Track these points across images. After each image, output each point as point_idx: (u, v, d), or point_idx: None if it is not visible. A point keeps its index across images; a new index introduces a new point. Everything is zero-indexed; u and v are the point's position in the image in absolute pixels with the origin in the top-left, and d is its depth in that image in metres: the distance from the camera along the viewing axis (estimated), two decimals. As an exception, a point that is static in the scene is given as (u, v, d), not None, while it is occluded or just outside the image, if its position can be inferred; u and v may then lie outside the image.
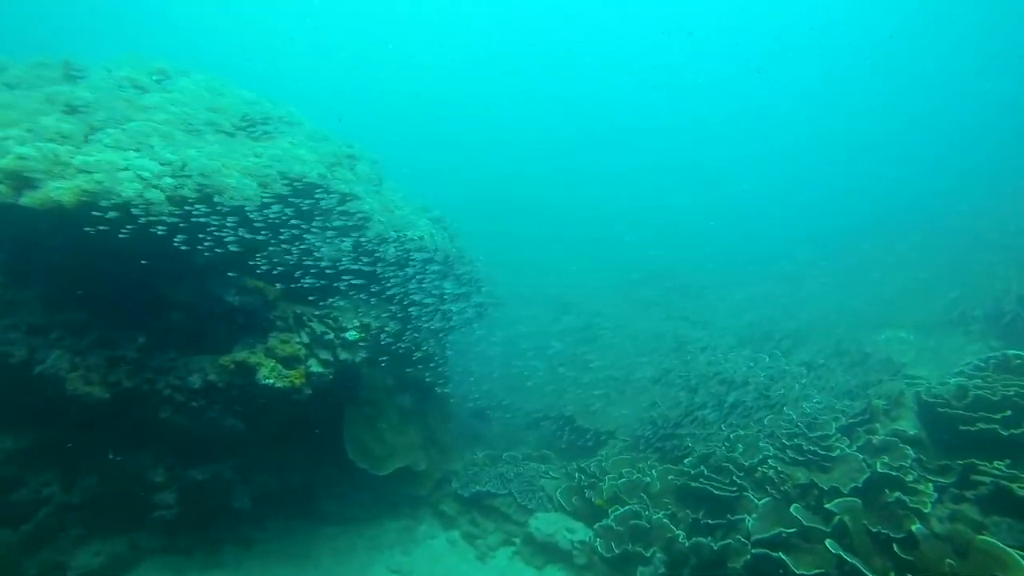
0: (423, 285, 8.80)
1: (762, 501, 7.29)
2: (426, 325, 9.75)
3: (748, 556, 6.57)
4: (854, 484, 6.94)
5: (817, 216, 26.34)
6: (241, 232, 6.64)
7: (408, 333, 9.05)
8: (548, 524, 8.68)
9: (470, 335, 13.18)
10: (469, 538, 9.36)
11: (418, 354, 9.47)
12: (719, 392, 9.78)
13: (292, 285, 7.48)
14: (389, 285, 8.33)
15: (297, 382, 7.12)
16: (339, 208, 7.84)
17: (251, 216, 6.86)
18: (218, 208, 6.58)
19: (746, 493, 7.60)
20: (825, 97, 43.02)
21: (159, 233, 6.26)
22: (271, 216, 6.99)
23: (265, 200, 7.06)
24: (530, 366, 13.10)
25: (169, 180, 6.48)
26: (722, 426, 9.38)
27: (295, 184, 7.36)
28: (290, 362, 7.23)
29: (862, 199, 27.78)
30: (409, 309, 9.11)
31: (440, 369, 10.67)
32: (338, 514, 9.56)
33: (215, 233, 6.55)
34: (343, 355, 7.73)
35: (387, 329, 8.34)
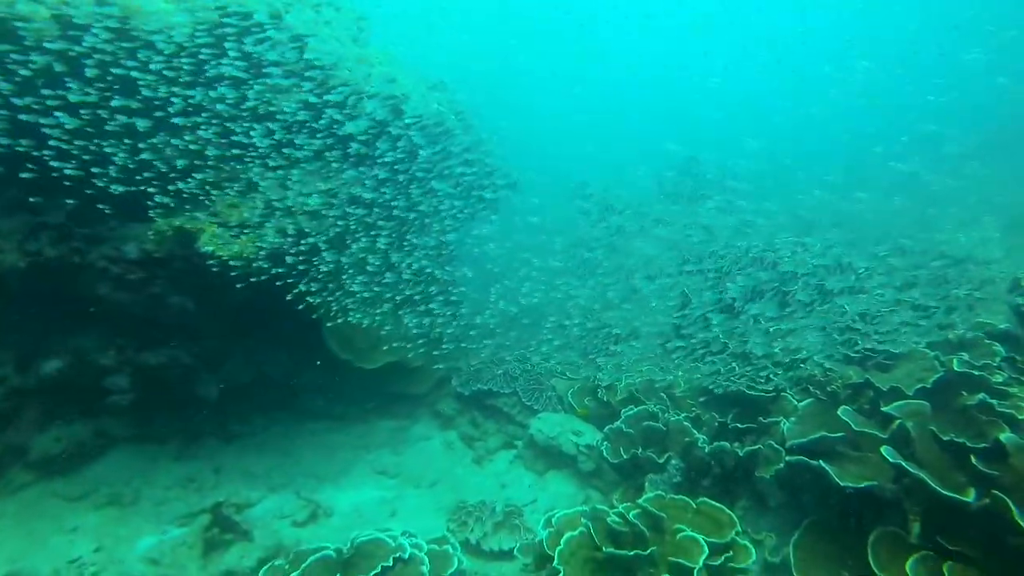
0: (403, 151, 7.47)
1: (803, 403, 6.00)
2: (416, 202, 8.53)
3: (781, 464, 5.37)
4: (921, 384, 5.55)
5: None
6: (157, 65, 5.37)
7: (394, 208, 7.83)
8: (552, 426, 7.65)
9: (484, 221, 11.94)
10: (467, 440, 8.49)
11: (409, 235, 8.29)
12: (759, 280, 8.32)
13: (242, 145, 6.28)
14: (358, 150, 7.03)
15: (247, 251, 6.05)
16: (294, 51, 6.46)
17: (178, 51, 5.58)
18: (131, 34, 5.30)
19: (784, 393, 6.32)
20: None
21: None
22: (203, 54, 5.69)
23: (198, 32, 5.73)
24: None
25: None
26: (761, 319, 7.99)
27: (234, 18, 5.97)
28: (240, 230, 6.14)
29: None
30: (395, 179, 7.87)
31: (443, 251, 9.52)
32: (325, 412, 8.80)
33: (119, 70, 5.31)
34: (306, 225, 6.59)
35: (361, 198, 7.12)
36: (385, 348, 8.02)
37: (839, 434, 5.12)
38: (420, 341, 8.72)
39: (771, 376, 6.52)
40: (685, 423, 6.47)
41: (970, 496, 4.09)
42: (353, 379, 8.44)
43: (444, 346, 9.73)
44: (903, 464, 4.41)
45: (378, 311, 8.65)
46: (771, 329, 7.43)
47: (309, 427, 8.65)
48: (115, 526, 5.85)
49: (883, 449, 4.58)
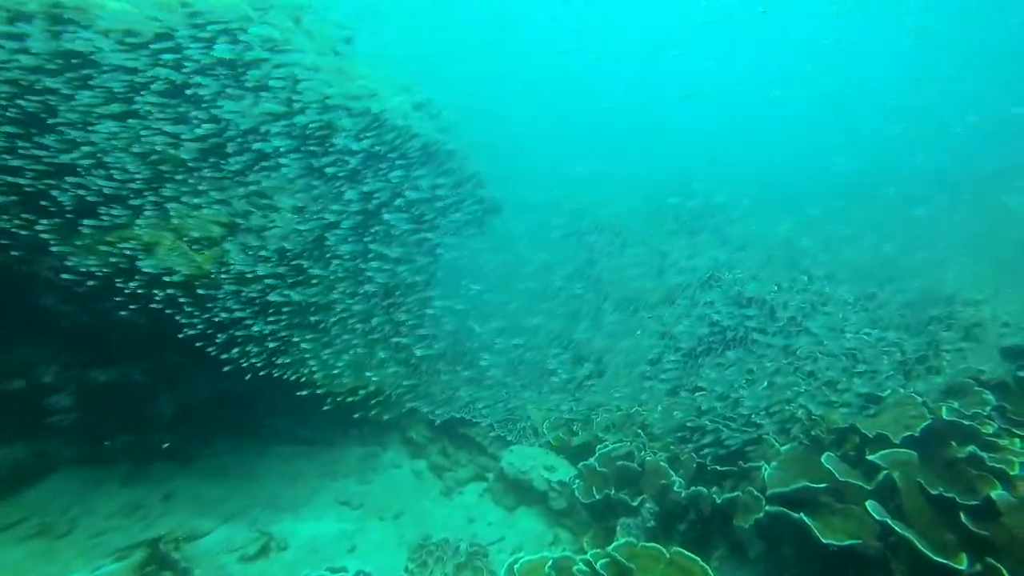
0: (383, 171, 7.22)
1: (785, 447, 5.71)
2: (391, 221, 8.26)
3: (761, 514, 5.06)
4: (909, 433, 5.28)
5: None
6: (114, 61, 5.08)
7: (367, 227, 7.56)
8: (524, 460, 7.31)
9: (466, 242, 11.67)
10: (437, 470, 8.11)
11: (381, 253, 7.99)
12: (743, 317, 8.09)
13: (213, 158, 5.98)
14: (333, 165, 6.76)
15: (207, 267, 5.71)
16: (266, 60, 6.20)
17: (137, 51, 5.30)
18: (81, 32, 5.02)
19: (767, 437, 6.03)
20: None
21: None
22: (163, 58, 5.41)
23: (159, 33, 5.46)
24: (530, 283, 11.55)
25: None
26: (745, 358, 7.73)
27: (198, 20, 5.71)
28: (201, 244, 5.81)
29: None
30: (372, 200, 7.61)
31: (418, 277, 9.22)
32: (292, 434, 8.39)
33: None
34: (273, 243, 6.28)
35: (327, 216, 6.83)
36: (352, 374, 7.65)
37: (822, 485, 4.83)
38: (392, 370, 8.39)
39: (752, 418, 6.24)
40: (662, 464, 6.15)
41: (962, 563, 3.81)
42: (322, 401, 8.06)
43: (419, 373, 9.40)
44: (890, 523, 4.12)
45: (348, 340, 8.33)
46: (754, 368, 7.18)
47: (275, 450, 8.23)
48: (39, 562, 5.38)
49: (868, 504, 4.30)
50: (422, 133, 8.50)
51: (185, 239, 5.74)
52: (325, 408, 8.06)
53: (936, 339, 6.85)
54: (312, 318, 7.42)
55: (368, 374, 8.50)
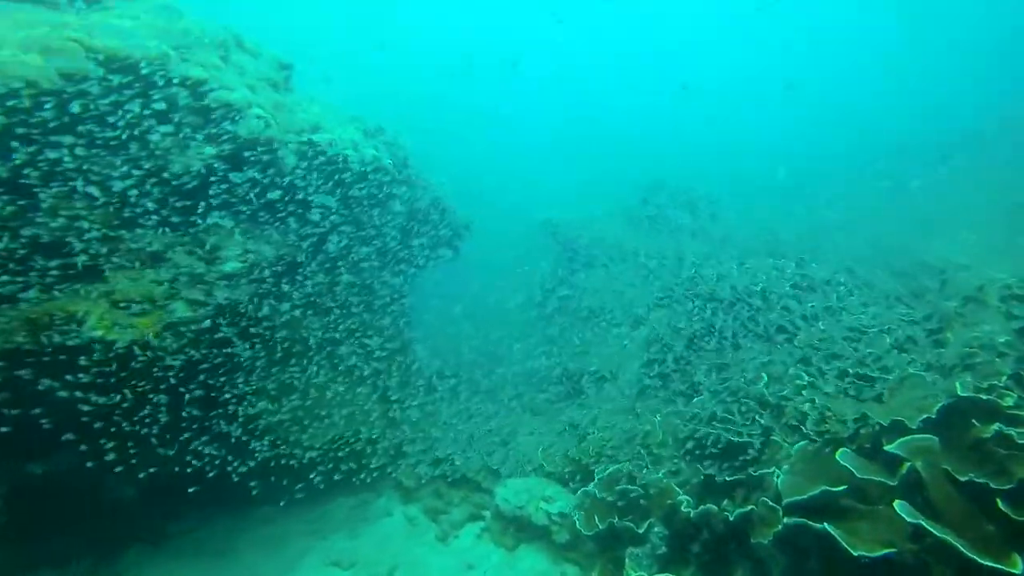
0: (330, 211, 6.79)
1: (796, 446, 5.26)
2: (361, 260, 7.84)
3: (779, 527, 4.59)
4: (925, 415, 4.86)
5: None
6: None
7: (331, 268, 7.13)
8: (519, 493, 6.80)
9: (435, 273, 11.25)
10: (431, 513, 7.57)
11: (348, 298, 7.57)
12: (734, 310, 7.69)
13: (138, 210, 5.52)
14: (284, 204, 6.33)
15: (148, 332, 5.22)
16: (189, 101, 5.77)
17: (42, 107, 4.85)
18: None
19: (774, 436, 5.59)
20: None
21: None
22: (72, 109, 4.96)
23: (65, 86, 5.02)
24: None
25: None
26: (739, 353, 7.32)
27: (109, 64, 5.27)
28: (139, 307, 5.31)
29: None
30: (329, 239, 7.19)
31: (392, 317, 8.78)
32: (268, 496, 7.81)
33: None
34: (221, 294, 5.79)
35: (286, 259, 6.38)
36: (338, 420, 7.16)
37: (842, 487, 4.38)
38: (374, 415, 7.92)
39: (756, 418, 5.79)
40: (666, 482, 5.68)
41: (1017, 567, 3.35)
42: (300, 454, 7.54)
43: (404, 409, 8.91)
44: (924, 525, 3.68)
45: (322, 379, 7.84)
46: (751, 363, 6.76)
47: (257, 513, 7.65)
48: None
49: (897, 505, 3.85)
50: (375, 162, 8.09)
51: (122, 304, 5.24)
52: (313, 477, 7.57)
53: (938, 309, 6.49)
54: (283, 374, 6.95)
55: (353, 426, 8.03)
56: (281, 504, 7.37)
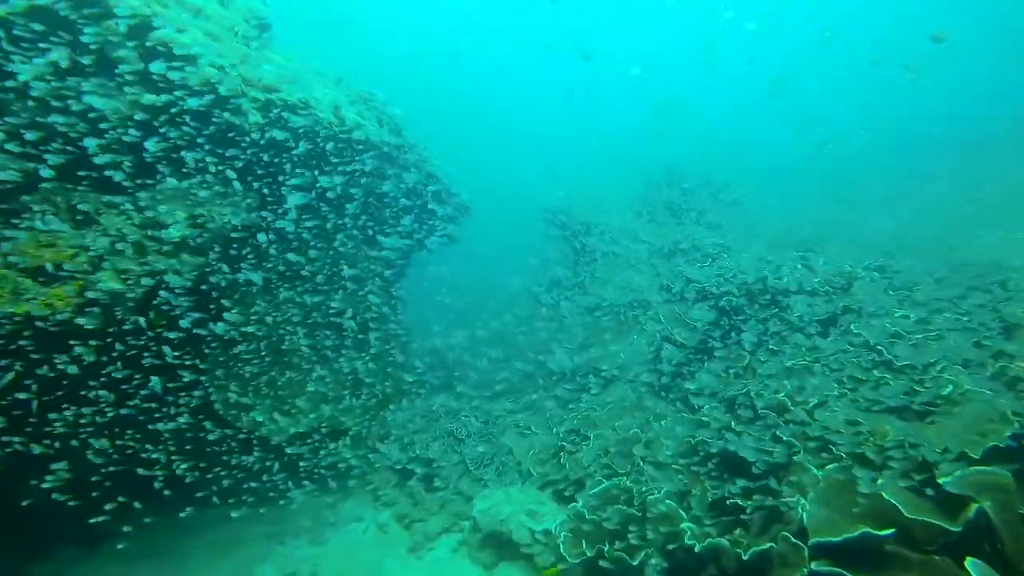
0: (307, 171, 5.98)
1: (825, 470, 4.37)
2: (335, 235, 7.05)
3: (804, 572, 3.71)
4: (992, 443, 3.95)
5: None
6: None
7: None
8: (502, 505, 5.97)
9: (431, 256, 10.43)
10: (404, 521, 6.78)
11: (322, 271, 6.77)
12: (754, 306, 6.77)
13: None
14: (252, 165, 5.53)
15: (59, 304, 4.44)
16: (125, 36, 4.96)
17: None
18: None
19: (798, 456, 4.69)
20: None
21: None
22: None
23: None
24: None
25: None
26: (760, 355, 6.41)
27: None
28: (53, 276, 4.55)
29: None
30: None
31: (373, 294, 7.96)
32: (233, 489, 7.07)
33: None
34: (160, 263, 5.00)
35: (246, 228, 5.58)
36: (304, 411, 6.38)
37: (888, 531, 3.48)
38: (355, 399, 7.14)
39: (777, 432, 4.90)
40: (668, 504, 4.81)
41: None
42: (268, 446, 6.80)
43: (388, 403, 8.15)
44: (1005, 594, 2.79)
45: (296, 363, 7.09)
46: (772, 368, 5.86)
47: (213, 513, 6.88)
48: None
49: (969, 565, 2.95)
50: (360, 128, 7.27)
51: (31, 271, 4.47)
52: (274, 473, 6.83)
53: (1000, 314, 5.54)
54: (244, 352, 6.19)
55: (324, 409, 7.29)
56: (236, 503, 6.63)
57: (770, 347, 6.38)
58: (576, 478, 6.11)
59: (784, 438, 4.82)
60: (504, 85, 35.47)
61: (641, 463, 5.71)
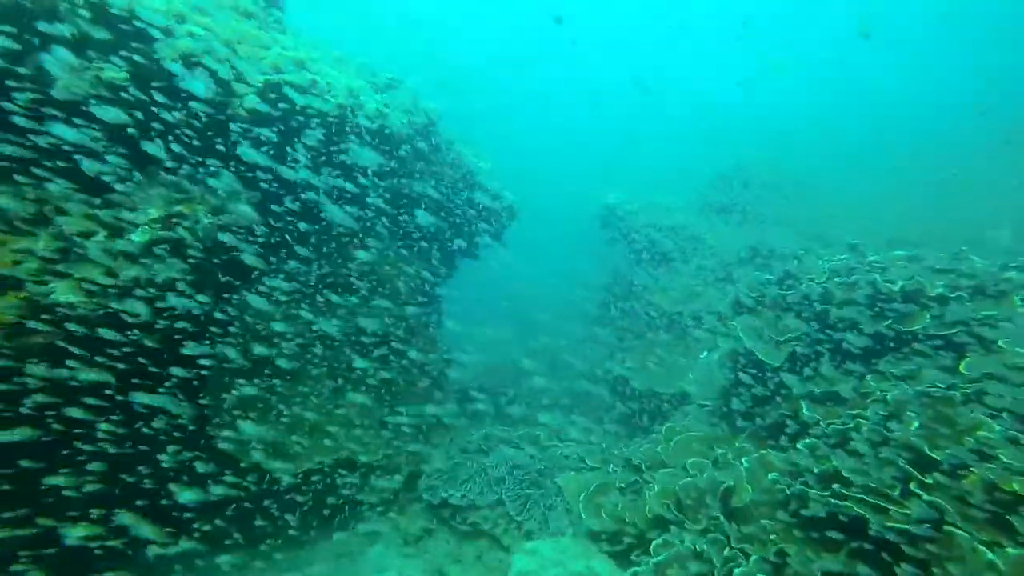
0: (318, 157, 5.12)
1: (1009, 554, 3.06)
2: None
3: None
4: None
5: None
6: None
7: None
8: (545, 563, 4.86)
9: (472, 264, 9.50)
10: (435, 575, 5.75)
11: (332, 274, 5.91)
12: (852, 315, 5.43)
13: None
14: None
15: (2, 319, 3.69)
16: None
17: None
18: None
19: (951, 525, 3.39)
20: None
21: None
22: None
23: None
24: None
25: None
26: (868, 377, 5.07)
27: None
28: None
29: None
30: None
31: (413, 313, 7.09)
32: (238, 535, 6.24)
33: None
34: (132, 271, 4.22)
35: (237, 230, 4.75)
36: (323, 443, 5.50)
37: None
38: (374, 437, 6.22)
39: (914, 489, 3.61)
40: (762, 580, 3.58)
41: None
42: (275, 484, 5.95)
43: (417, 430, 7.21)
44: None
45: (307, 388, 6.26)
46: (892, 395, 4.53)
47: (217, 561, 6.08)
48: None
49: None
50: (380, 118, 6.41)
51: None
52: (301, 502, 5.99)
53: None
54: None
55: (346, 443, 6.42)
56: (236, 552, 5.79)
57: (885, 369, 5.04)
58: (637, 532, 4.93)
59: (924, 497, 3.52)
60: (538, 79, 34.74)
61: (720, 516, 4.49)
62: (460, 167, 8.51)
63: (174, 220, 4.36)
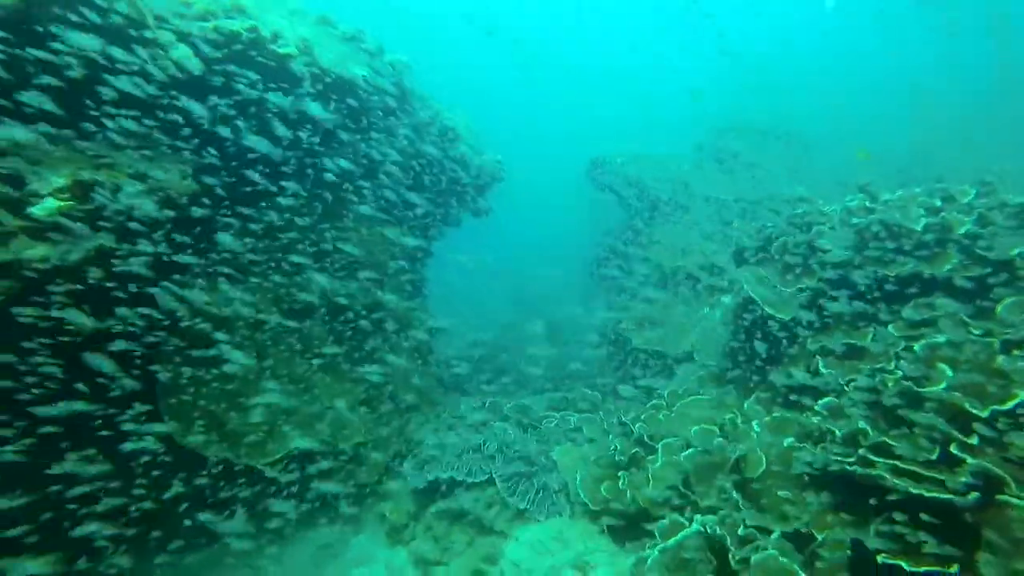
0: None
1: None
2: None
3: None
4: None
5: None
6: None
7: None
8: (542, 551, 4.41)
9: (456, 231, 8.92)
10: (423, 565, 5.32)
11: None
12: (876, 258, 4.88)
13: None
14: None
15: None
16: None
17: None
18: None
19: (1005, 494, 2.90)
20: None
21: None
22: None
23: None
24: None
25: None
26: (890, 327, 4.55)
27: None
28: None
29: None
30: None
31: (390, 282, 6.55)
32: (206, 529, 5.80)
33: None
34: (35, 252, 3.65)
35: (167, 200, 4.17)
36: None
37: None
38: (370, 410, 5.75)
39: (955, 451, 3.11)
40: (780, 563, 3.11)
41: None
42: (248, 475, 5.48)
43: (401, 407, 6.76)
44: None
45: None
46: (923, 347, 4.02)
47: (187, 560, 5.65)
48: None
49: None
50: (337, 72, 5.77)
51: None
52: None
53: None
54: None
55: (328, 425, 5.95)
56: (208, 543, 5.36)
57: (906, 315, 4.51)
58: (639, 509, 4.46)
59: (970, 461, 3.02)
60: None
61: (731, 490, 4.01)
62: (433, 124, 7.87)
63: (89, 187, 3.77)
